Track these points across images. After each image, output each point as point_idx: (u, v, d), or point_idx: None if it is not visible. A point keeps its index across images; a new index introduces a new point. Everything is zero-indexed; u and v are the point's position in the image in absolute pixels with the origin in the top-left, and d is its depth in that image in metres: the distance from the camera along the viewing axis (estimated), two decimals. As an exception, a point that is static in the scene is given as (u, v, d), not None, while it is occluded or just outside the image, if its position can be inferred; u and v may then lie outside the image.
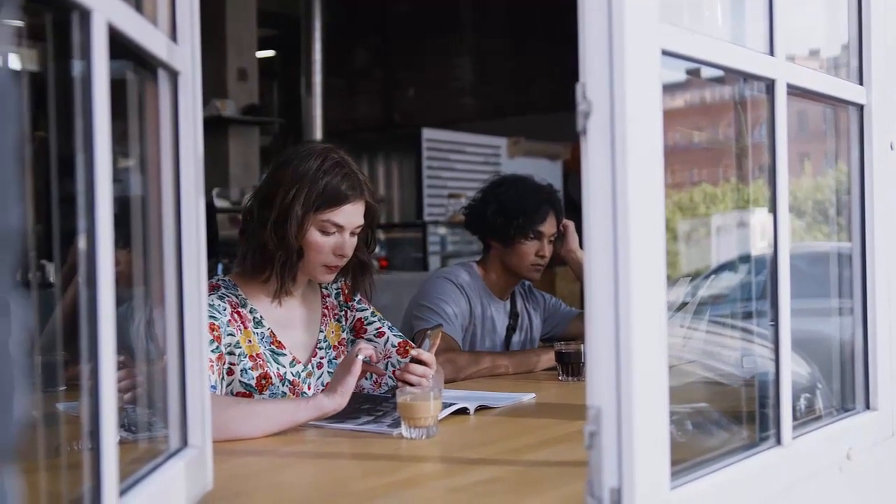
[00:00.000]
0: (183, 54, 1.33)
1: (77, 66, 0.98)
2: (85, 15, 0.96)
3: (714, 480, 1.35)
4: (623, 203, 1.15)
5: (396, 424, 1.89)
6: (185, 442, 1.36)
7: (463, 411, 2.09)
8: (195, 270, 1.36)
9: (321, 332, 2.31)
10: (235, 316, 2.14)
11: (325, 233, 2.15)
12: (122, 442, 1.06)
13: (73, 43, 0.97)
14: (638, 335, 1.16)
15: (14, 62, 0.66)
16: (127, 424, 1.38)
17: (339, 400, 1.93)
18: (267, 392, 2.14)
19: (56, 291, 1.76)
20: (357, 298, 2.40)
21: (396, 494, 1.50)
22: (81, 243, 0.99)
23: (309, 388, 2.24)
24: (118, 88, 1.08)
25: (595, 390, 1.17)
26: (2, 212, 0.61)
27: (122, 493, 1.08)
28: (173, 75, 1.32)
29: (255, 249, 2.16)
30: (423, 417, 1.83)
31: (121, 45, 1.08)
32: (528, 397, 2.33)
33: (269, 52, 10.19)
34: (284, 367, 2.19)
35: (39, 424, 1.23)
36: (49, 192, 1.05)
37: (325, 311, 2.34)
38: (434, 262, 7.41)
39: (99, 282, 0.98)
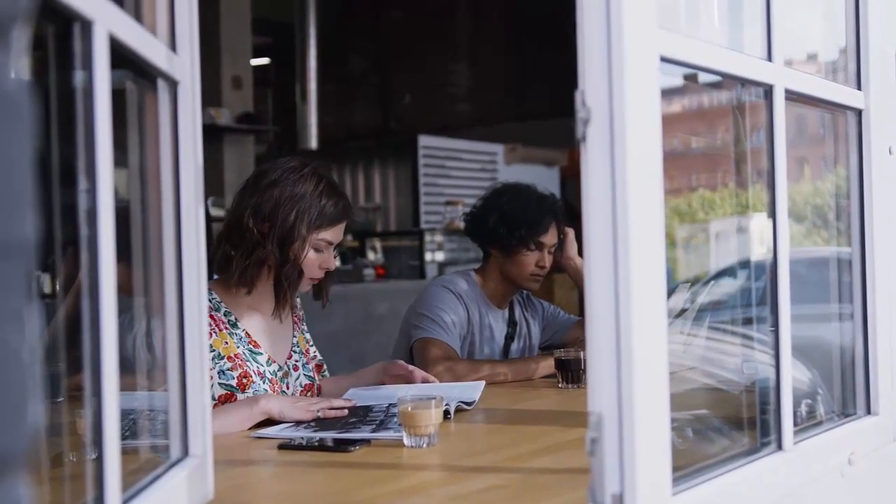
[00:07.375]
0: (182, 64, 1.33)
1: (78, 76, 0.97)
2: (86, 25, 0.96)
3: (715, 486, 1.35)
4: (623, 209, 1.15)
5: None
6: (185, 452, 1.36)
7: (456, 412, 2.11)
8: (195, 280, 1.36)
9: (294, 337, 2.42)
10: (209, 320, 2.18)
11: (317, 250, 2.28)
12: (123, 451, 1.06)
13: (75, 53, 0.97)
14: (638, 341, 1.16)
15: (28, 72, 0.66)
16: (126, 434, 1.38)
17: (281, 402, 2.07)
18: (250, 390, 2.20)
19: (51, 303, 1.76)
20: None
21: (400, 502, 1.49)
22: (82, 253, 0.99)
23: (287, 388, 2.33)
24: (117, 98, 1.07)
25: (596, 396, 1.17)
26: (17, 221, 0.61)
27: (125, 503, 1.07)
28: (173, 85, 1.32)
29: (254, 265, 2.23)
30: (425, 426, 1.83)
31: (120, 55, 1.08)
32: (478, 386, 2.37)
33: (264, 60, 10.19)
34: (262, 365, 2.27)
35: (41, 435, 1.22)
36: (49, 201, 1.05)
37: (296, 319, 2.46)
38: (431, 270, 7.39)
39: (101, 292, 0.98)
